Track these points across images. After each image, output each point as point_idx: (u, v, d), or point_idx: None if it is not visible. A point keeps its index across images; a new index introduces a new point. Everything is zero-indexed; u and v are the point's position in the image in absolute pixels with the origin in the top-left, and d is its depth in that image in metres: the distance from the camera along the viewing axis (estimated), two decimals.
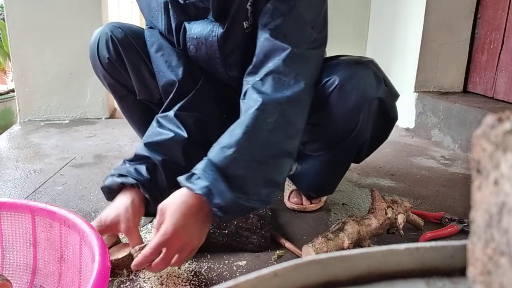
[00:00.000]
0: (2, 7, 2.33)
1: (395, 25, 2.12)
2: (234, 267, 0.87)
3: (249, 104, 0.80)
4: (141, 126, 1.11)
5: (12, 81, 2.35)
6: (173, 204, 0.74)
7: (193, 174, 0.75)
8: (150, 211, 0.87)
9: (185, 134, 0.92)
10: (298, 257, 0.89)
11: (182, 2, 0.88)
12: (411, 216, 0.99)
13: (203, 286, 0.80)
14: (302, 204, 1.13)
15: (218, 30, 0.88)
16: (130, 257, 0.79)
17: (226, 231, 0.91)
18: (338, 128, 0.95)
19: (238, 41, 0.90)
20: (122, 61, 1.02)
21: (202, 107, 0.98)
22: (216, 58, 0.92)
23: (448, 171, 1.49)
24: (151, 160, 0.89)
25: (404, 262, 0.28)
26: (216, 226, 0.90)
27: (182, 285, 0.80)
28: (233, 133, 0.78)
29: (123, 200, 0.84)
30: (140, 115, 1.12)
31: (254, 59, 0.86)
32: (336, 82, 0.89)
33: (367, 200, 1.21)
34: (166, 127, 0.94)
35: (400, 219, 0.92)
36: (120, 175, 0.86)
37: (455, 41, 1.95)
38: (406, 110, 2.04)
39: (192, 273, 0.84)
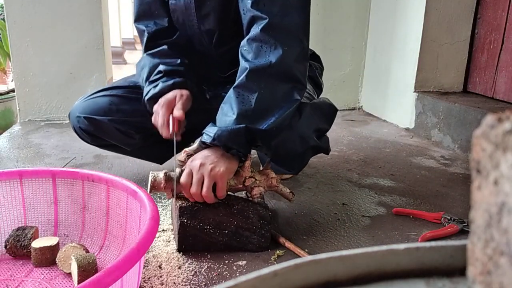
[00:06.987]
0: (2, 7, 2.33)
1: (395, 25, 2.12)
2: (234, 267, 0.87)
3: (240, 69, 0.94)
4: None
5: (12, 81, 2.35)
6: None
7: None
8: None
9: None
10: (298, 257, 0.89)
11: None
12: (282, 190, 1.02)
13: (203, 286, 0.80)
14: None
15: None
16: (56, 246, 0.84)
17: (226, 231, 0.91)
18: None
19: None
20: (102, 137, 1.20)
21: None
22: (191, 9, 1.08)
23: (448, 171, 1.49)
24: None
25: (404, 262, 0.28)
26: (216, 226, 0.90)
27: (182, 285, 0.80)
28: (229, 98, 0.92)
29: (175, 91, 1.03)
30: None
31: (244, 25, 0.98)
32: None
33: (367, 200, 1.22)
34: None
35: (256, 191, 0.96)
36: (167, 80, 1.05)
37: (455, 41, 1.96)
38: (406, 110, 2.04)
39: (192, 273, 0.84)
